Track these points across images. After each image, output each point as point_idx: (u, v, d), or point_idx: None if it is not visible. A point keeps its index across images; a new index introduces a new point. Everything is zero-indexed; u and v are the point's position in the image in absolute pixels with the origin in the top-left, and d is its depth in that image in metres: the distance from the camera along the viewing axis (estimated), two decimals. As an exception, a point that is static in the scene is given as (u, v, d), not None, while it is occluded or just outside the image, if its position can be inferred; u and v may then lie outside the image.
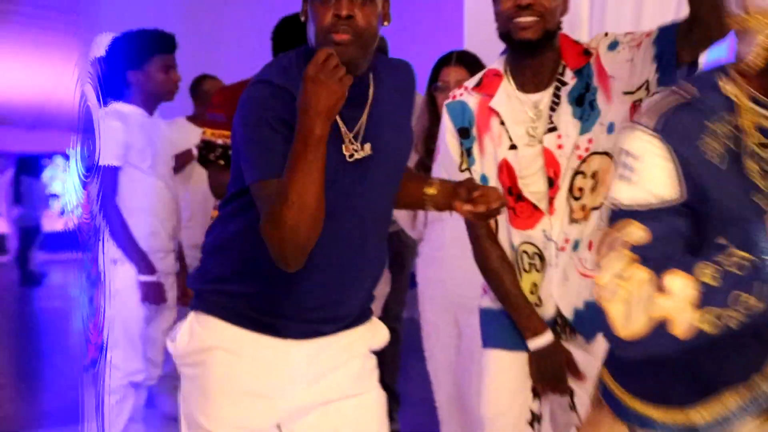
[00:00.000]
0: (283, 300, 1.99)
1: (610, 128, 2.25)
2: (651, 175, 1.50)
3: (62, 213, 19.75)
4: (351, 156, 1.96)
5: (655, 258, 1.47)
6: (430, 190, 2.06)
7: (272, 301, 2.00)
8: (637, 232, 1.49)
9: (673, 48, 2.13)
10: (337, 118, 1.92)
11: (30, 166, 12.80)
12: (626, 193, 1.53)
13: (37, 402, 6.04)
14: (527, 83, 2.32)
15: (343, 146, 1.96)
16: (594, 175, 2.28)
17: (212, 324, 2.05)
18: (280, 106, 1.90)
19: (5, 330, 8.97)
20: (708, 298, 1.40)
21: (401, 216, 3.56)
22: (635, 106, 2.25)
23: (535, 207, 2.31)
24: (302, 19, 1.98)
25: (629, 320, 1.48)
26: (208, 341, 2.04)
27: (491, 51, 2.54)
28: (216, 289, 2.08)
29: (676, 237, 1.49)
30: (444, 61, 3.26)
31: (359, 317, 2.14)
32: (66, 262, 15.47)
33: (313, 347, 2.04)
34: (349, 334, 2.10)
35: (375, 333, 2.21)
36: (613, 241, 1.52)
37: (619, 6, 3.05)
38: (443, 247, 3.25)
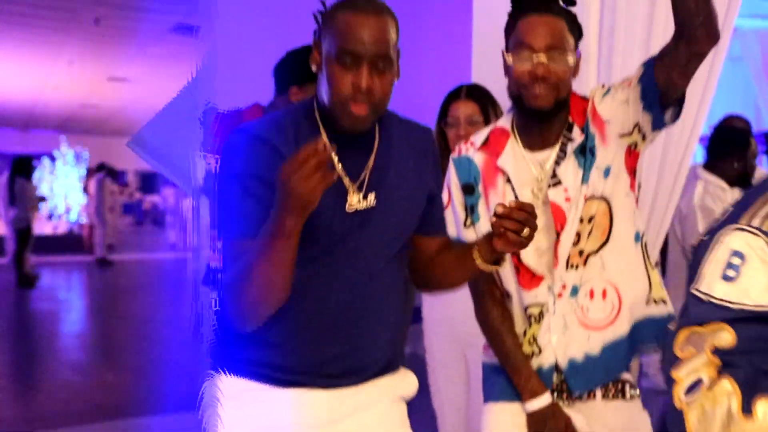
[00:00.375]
0: (297, 359, 1.94)
1: (606, 172, 2.22)
2: (753, 278, 1.47)
3: (50, 216, 19.86)
4: (351, 205, 1.91)
5: (743, 368, 1.45)
6: (478, 254, 1.96)
7: (284, 362, 1.95)
8: (725, 337, 1.47)
9: (653, 83, 2.11)
10: (340, 167, 1.90)
11: (24, 167, 12.71)
12: (722, 290, 1.50)
13: (33, 404, 6.03)
14: (534, 142, 2.28)
15: (348, 196, 1.91)
16: (590, 220, 2.23)
17: (219, 379, 2.00)
18: (260, 163, 1.85)
19: (4, 333, 8.97)
20: None
21: None
22: (631, 150, 2.23)
23: (534, 274, 2.26)
24: (313, 68, 1.93)
25: (704, 428, 1.46)
26: (215, 395, 2.00)
27: (499, 84, 2.52)
28: (226, 354, 2.03)
29: (762, 344, 1.47)
30: (453, 96, 3.18)
31: (385, 368, 2.06)
32: (54, 264, 15.66)
33: (333, 394, 1.98)
34: (374, 383, 2.03)
35: (403, 381, 2.14)
36: (699, 340, 1.50)
37: (627, 45, 3.03)
38: None
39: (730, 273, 1.49)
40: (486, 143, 2.35)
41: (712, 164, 4.38)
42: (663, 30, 2.92)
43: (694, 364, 1.48)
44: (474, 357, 3.06)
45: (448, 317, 3.24)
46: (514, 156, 2.29)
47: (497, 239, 1.86)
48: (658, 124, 2.19)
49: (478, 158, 2.35)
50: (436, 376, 3.37)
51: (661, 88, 2.11)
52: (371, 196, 1.93)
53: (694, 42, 2.03)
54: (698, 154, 5.41)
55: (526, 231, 1.81)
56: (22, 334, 8.93)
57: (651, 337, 2.27)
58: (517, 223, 1.82)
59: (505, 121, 2.36)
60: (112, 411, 5.70)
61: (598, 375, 2.24)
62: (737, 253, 1.50)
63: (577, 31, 2.23)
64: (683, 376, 1.49)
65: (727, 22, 2.96)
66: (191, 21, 10.51)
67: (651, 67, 2.13)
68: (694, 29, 2.00)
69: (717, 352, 1.47)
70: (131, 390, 6.32)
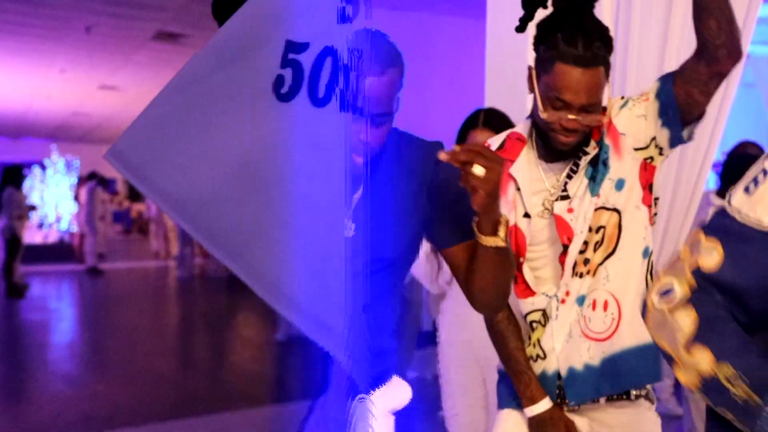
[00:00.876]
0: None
1: (619, 185, 2.20)
2: (766, 195, 1.49)
3: (41, 225, 19.75)
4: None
5: (710, 304, 1.50)
6: (478, 232, 1.86)
7: None
8: (713, 257, 1.49)
9: (673, 99, 2.10)
10: None
11: (14, 176, 12.61)
12: (738, 200, 1.53)
13: (22, 416, 6.01)
14: (550, 153, 2.26)
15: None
16: (599, 230, 2.22)
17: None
18: None
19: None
20: (711, 387, 1.46)
21: (422, 270, 3.44)
22: (646, 164, 2.21)
23: (527, 285, 2.27)
24: None
25: (655, 330, 1.56)
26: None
27: (511, 105, 2.48)
28: None
29: (746, 268, 1.49)
30: (470, 125, 3.14)
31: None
32: (44, 274, 15.59)
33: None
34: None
35: (394, 393, 2.15)
36: (695, 246, 1.52)
37: (641, 60, 3.02)
38: (468, 305, 3.14)
39: (751, 186, 1.52)
40: (501, 149, 2.32)
41: (725, 191, 4.34)
42: (678, 41, 2.91)
43: (675, 272, 1.53)
44: (494, 381, 3.01)
45: (466, 340, 3.22)
46: (528, 165, 2.28)
47: (472, 198, 1.77)
48: (675, 141, 2.18)
49: None
50: (453, 400, 3.36)
51: (682, 105, 2.11)
52: (352, 226, 1.92)
53: (716, 62, 2.03)
54: (711, 181, 5.41)
55: (477, 169, 1.71)
56: (11, 346, 8.88)
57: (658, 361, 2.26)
58: (465, 164, 1.72)
59: (522, 128, 2.34)
60: (101, 421, 5.72)
61: (598, 387, 2.23)
62: (764, 170, 1.52)
63: (610, 62, 2.16)
64: (662, 276, 1.56)
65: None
66: (182, 30, 10.51)
67: (670, 83, 2.13)
68: (715, 50, 2.01)
69: (697, 273, 1.50)
70: (120, 400, 6.32)
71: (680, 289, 1.51)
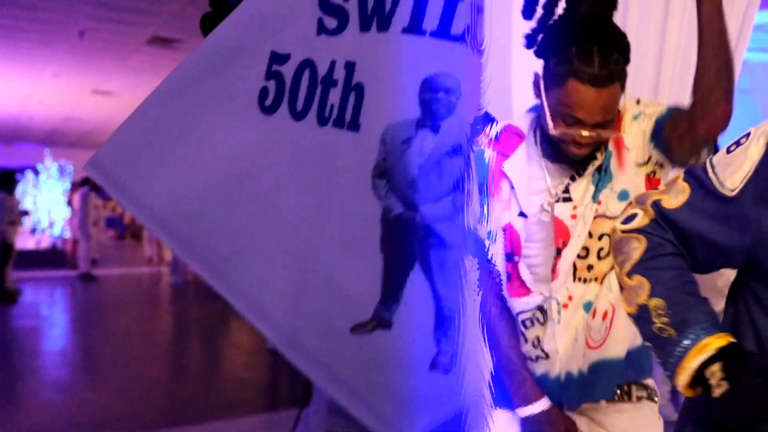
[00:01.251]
0: None
1: (623, 196, 2.12)
2: (737, 160, 1.56)
3: (33, 230, 19.67)
4: None
5: (660, 238, 1.61)
6: None
7: None
8: (678, 199, 1.60)
9: (662, 131, 2.05)
10: None
11: (6, 181, 12.53)
12: (718, 157, 1.60)
13: (12, 424, 5.93)
14: (556, 153, 2.16)
15: None
16: (601, 238, 2.15)
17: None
18: None
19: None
20: (642, 317, 1.58)
21: None
22: (650, 178, 2.15)
23: (522, 283, 2.20)
24: None
25: (615, 254, 1.69)
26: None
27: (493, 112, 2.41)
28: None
29: (699, 218, 1.58)
30: None
31: None
32: (36, 279, 15.53)
33: None
34: None
35: None
36: (671, 184, 1.64)
37: (639, 59, 2.99)
38: None
39: (733, 147, 1.59)
40: (496, 140, 2.23)
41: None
42: (676, 41, 2.90)
43: (641, 203, 1.66)
44: None
45: None
46: (528, 162, 2.19)
47: None
48: (674, 164, 2.12)
49: (488, 155, 2.24)
50: None
51: (667, 140, 2.05)
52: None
53: (689, 118, 1.94)
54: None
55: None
56: (2, 352, 8.82)
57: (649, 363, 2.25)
58: None
59: (521, 122, 2.24)
60: (93, 429, 5.68)
61: (581, 394, 2.20)
62: (747, 134, 1.58)
63: (627, 72, 2.07)
64: (633, 205, 1.69)
65: (737, 56, 2.93)
66: (177, 35, 10.50)
67: (667, 116, 2.06)
68: (692, 104, 1.92)
69: (657, 206, 1.62)
70: (112, 407, 6.28)
71: (641, 218, 1.64)
